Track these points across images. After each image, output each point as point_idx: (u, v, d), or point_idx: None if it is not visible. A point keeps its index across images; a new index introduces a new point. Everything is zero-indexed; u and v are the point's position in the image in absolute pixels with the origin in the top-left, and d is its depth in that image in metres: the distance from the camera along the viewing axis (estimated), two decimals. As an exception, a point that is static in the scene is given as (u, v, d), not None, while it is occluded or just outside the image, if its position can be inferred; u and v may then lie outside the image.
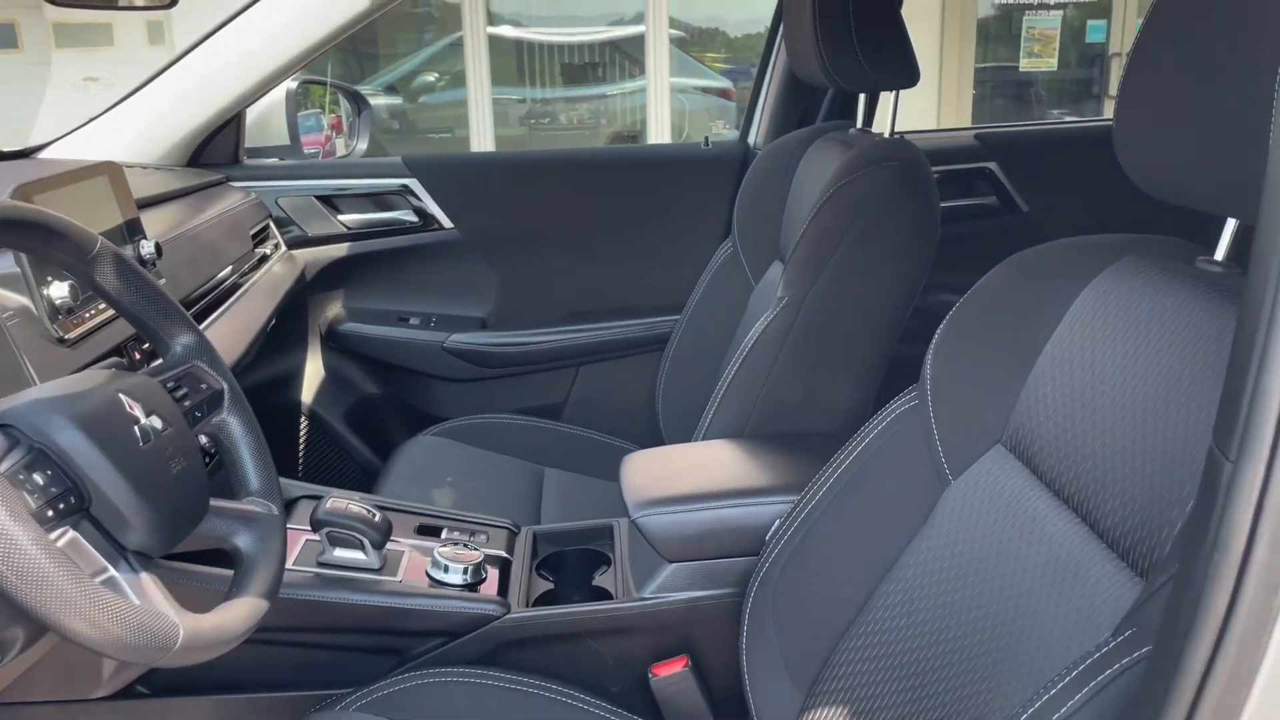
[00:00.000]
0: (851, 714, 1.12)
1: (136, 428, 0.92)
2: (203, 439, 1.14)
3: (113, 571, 0.87)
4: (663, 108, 7.92)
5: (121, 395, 0.93)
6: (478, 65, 7.90)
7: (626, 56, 8.59)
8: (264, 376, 2.16)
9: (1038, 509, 1.01)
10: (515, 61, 8.60)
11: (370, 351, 2.25)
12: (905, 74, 1.66)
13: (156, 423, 0.95)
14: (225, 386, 1.12)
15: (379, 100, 8.88)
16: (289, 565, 1.35)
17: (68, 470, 0.86)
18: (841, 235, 1.50)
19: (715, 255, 2.06)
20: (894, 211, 1.51)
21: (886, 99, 1.79)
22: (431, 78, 8.91)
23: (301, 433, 2.21)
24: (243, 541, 1.04)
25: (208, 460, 1.32)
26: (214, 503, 1.03)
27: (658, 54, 7.92)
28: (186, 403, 1.05)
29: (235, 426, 1.11)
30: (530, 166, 2.27)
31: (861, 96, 1.84)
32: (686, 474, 1.43)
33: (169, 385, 1.04)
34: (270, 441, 1.81)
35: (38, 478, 0.83)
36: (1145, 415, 0.89)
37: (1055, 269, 1.12)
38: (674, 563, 1.38)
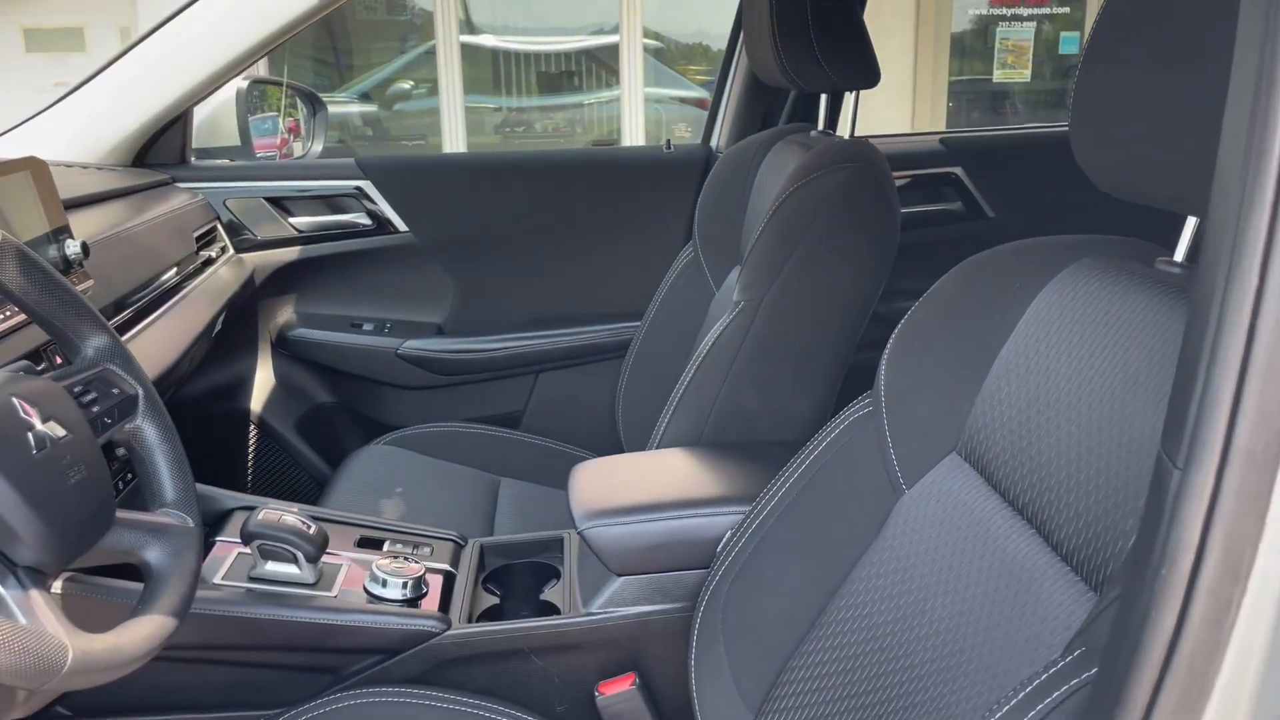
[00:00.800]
0: (800, 733, 1.07)
1: (30, 434, 0.86)
2: (120, 451, 1.09)
3: (0, 589, 0.81)
4: (637, 116, 7.90)
5: (15, 399, 0.87)
6: (450, 73, 7.85)
7: (603, 66, 8.58)
8: (211, 384, 2.09)
9: (991, 520, 0.96)
10: (491, 70, 8.56)
11: (322, 358, 2.19)
12: (865, 74, 1.62)
13: (55, 429, 0.89)
14: (140, 391, 1.06)
15: (353, 108, 8.82)
16: (218, 580, 1.29)
17: (-53, 479, 0.80)
18: (798, 238, 1.45)
19: (676, 260, 2.01)
20: (852, 213, 1.46)
21: (850, 102, 1.75)
22: (406, 85, 8.87)
23: (250, 442, 2.14)
24: (152, 555, 0.98)
25: (128, 477, 1.26)
26: (121, 514, 0.97)
27: (632, 63, 7.90)
28: (95, 408, 0.99)
29: (149, 433, 1.05)
30: (488, 169, 2.22)
31: (823, 98, 1.80)
32: (636, 483, 1.38)
33: (76, 390, 0.98)
34: (217, 451, 1.74)
35: (-88, 485, 0.77)
36: (1100, 422, 0.85)
37: (1011, 272, 1.08)
38: (622, 576, 1.32)
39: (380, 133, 8.65)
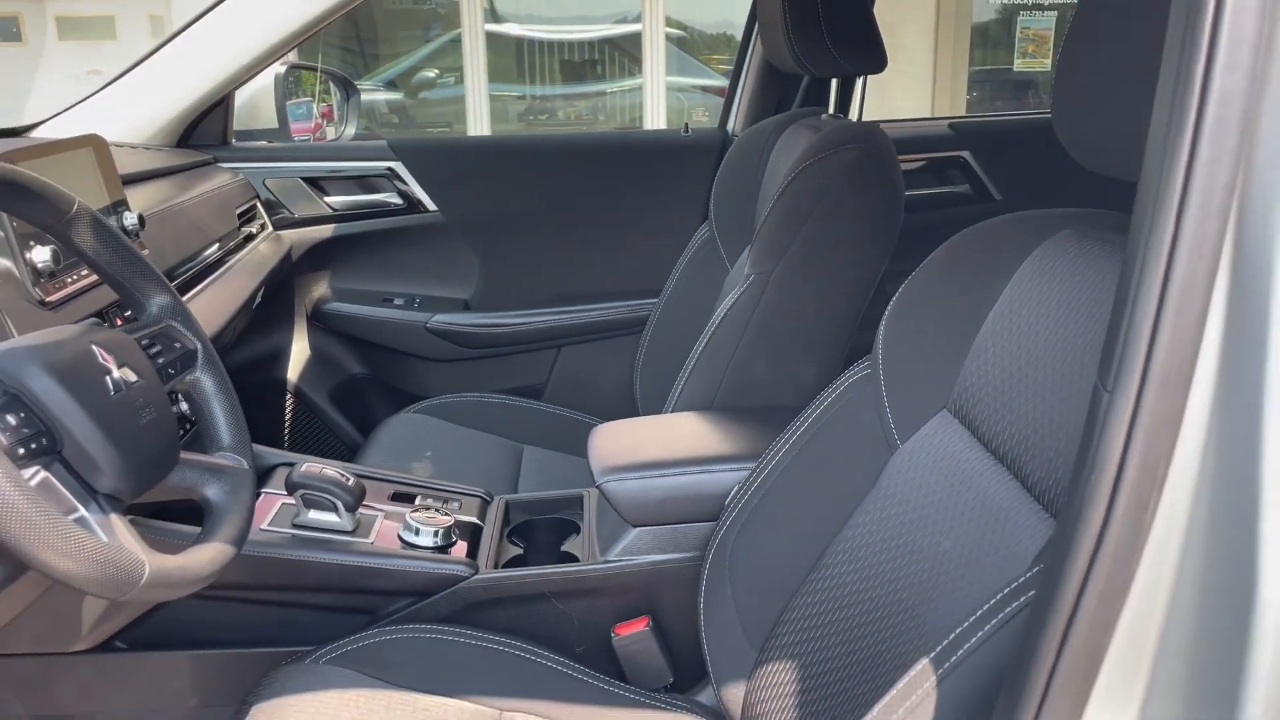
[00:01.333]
0: (799, 665, 1.16)
1: (108, 378, 0.97)
2: (182, 405, 1.19)
3: (83, 512, 0.91)
4: (659, 104, 7.97)
5: (95, 347, 0.98)
6: (475, 61, 7.94)
7: (625, 54, 8.64)
8: (251, 354, 2.20)
9: (975, 467, 1.05)
10: (515, 58, 8.65)
11: (355, 331, 2.29)
12: (872, 60, 1.70)
13: (129, 375, 1.00)
14: (199, 346, 1.16)
15: (380, 95, 8.93)
16: (264, 526, 1.40)
17: (40, 414, 0.90)
18: (805, 216, 1.54)
19: (693, 239, 2.10)
20: (856, 193, 1.55)
21: (862, 87, 1.83)
22: (432, 74, 8.96)
23: (287, 409, 2.25)
24: (212, 492, 1.08)
25: (187, 426, 1.36)
26: (185, 455, 1.07)
27: (654, 52, 7.97)
28: (160, 359, 1.09)
29: (207, 384, 1.15)
30: (513, 151, 2.32)
31: (834, 83, 1.88)
32: (651, 443, 1.47)
33: (143, 343, 1.09)
34: (255, 418, 1.85)
35: (10, 419, 0.87)
36: (1072, 376, 0.93)
37: (999, 243, 1.17)
38: (637, 527, 1.42)
39: (406, 120, 8.75)
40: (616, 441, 1.48)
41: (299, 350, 2.29)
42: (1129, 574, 0.60)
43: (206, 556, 1.00)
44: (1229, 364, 0.58)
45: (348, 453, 2.25)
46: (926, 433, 1.16)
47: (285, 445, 2.24)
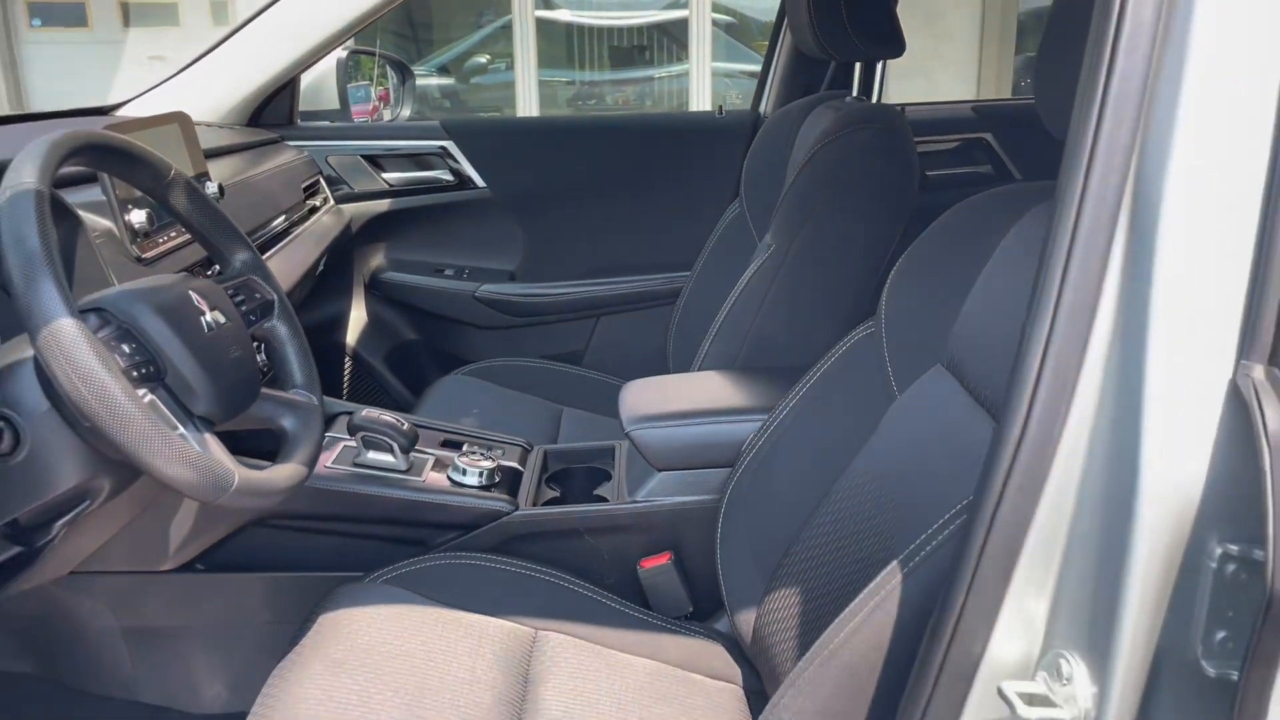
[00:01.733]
0: (801, 592, 1.29)
1: (203, 319, 1.13)
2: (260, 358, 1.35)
3: (182, 430, 1.08)
4: (704, 90, 8.07)
5: (191, 293, 1.14)
6: (525, 47, 8.10)
7: (674, 40, 8.75)
8: (314, 319, 2.38)
9: (960, 413, 1.18)
10: (565, 44, 8.79)
11: (409, 299, 2.46)
12: (891, 45, 1.82)
13: (219, 317, 1.16)
14: (275, 297, 1.32)
15: (431, 80, 9.13)
16: (329, 465, 1.56)
17: (148, 346, 1.06)
18: (822, 191, 1.67)
19: (724, 215, 2.23)
20: (870, 170, 1.67)
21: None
22: (483, 59, 9.14)
23: (346, 371, 2.43)
24: (287, 423, 1.24)
25: (264, 371, 1.53)
26: (264, 391, 1.24)
27: (700, 38, 8.06)
28: (243, 307, 1.26)
29: (283, 331, 1.32)
30: (558, 131, 2.46)
31: (858, 67, 2.00)
32: (676, 396, 1.61)
33: (229, 292, 1.25)
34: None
35: (125, 348, 1.04)
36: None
37: (993, 211, 1.29)
38: (662, 471, 1.56)
39: (457, 105, 8.94)
40: (645, 394, 1.63)
41: (357, 316, 2.46)
42: (1043, 472, 0.73)
43: (284, 474, 1.16)
44: (1125, 296, 0.70)
45: (401, 411, 2.41)
46: (921, 385, 1.28)
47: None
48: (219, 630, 1.56)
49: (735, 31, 8.69)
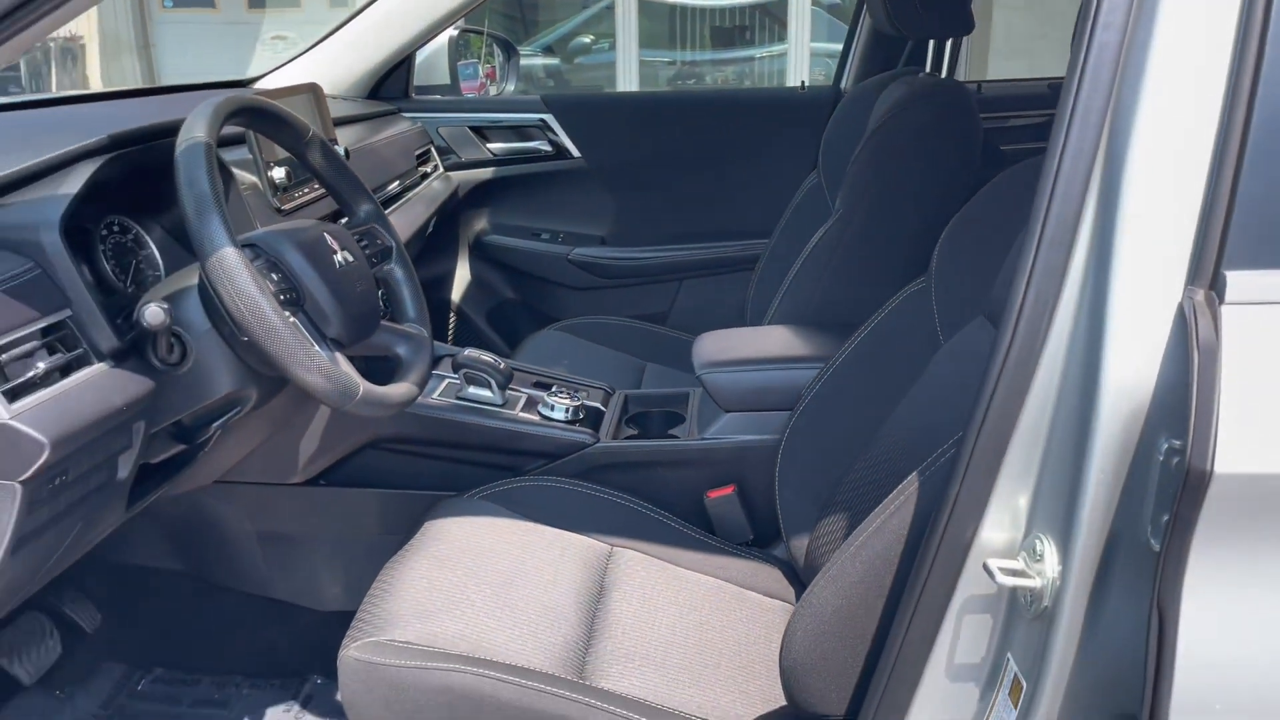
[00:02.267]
0: (848, 517, 1.44)
1: (335, 257, 1.34)
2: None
3: (318, 348, 1.28)
4: (803, 69, 8.11)
5: (326, 235, 1.35)
6: (626, 27, 8.25)
7: (775, 20, 8.79)
8: (423, 277, 2.59)
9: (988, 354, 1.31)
10: (667, 24, 8.91)
11: (508, 260, 2.67)
12: (960, 23, 1.93)
13: (348, 257, 1.36)
14: (394, 244, 1.53)
15: (536, 60, 9.37)
16: (435, 397, 1.77)
17: (291, 277, 1.27)
18: (886, 160, 1.80)
19: (803, 185, 2.37)
20: (933, 142, 1.79)
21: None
22: (587, 39, 9.33)
23: (450, 326, 2.65)
24: (402, 350, 1.45)
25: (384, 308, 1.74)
26: (383, 323, 1.44)
27: (800, 17, 8.11)
28: (366, 250, 1.46)
29: (399, 273, 1.52)
30: (650, 105, 2.63)
31: (931, 44, 2.11)
32: (745, 345, 1.77)
33: (355, 237, 1.46)
34: None
35: (274, 276, 1.25)
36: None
37: (1033, 176, 1.41)
38: (729, 412, 1.73)
39: (560, 84, 9.15)
40: (716, 343, 1.79)
41: (462, 275, 2.68)
42: (1025, 382, 0.87)
43: (399, 391, 1.36)
44: (1097, 232, 0.84)
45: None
46: (964, 333, 1.42)
47: (447, 354, 2.63)
48: (338, 538, 1.78)
49: (836, 11, 8.69)
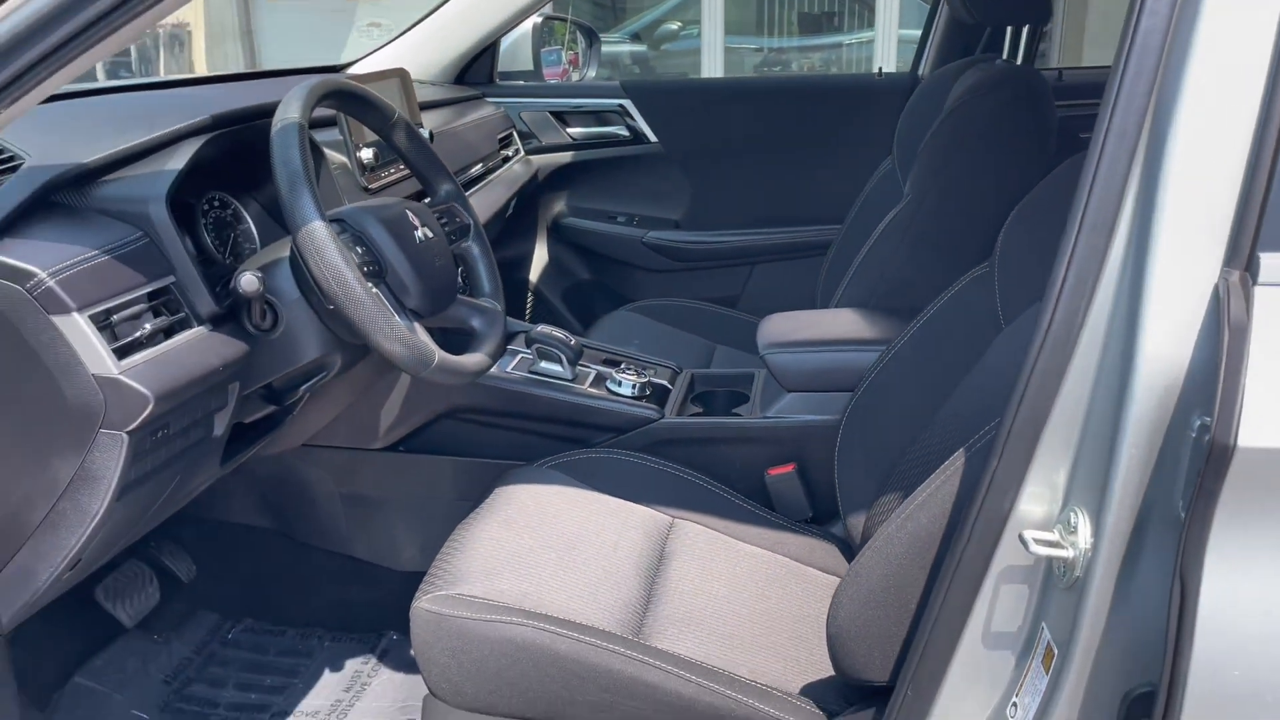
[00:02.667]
0: (904, 494, 1.47)
1: (416, 233, 1.42)
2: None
3: (398, 318, 1.37)
4: (889, 56, 8.01)
5: (408, 212, 1.43)
6: (712, 14, 8.26)
7: (864, 6, 8.70)
8: (502, 258, 2.68)
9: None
10: (755, 11, 8.88)
11: (584, 243, 2.74)
12: (1034, 11, 1.93)
13: (428, 233, 1.44)
14: (472, 222, 1.60)
15: (623, 47, 9.43)
16: (508, 370, 1.84)
17: (374, 250, 1.35)
18: (956, 146, 1.81)
19: (877, 170, 2.38)
20: (1004, 128, 1.80)
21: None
22: (674, 26, 9.35)
23: (528, 305, 2.73)
24: (477, 323, 1.53)
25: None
26: (460, 297, 1.52)
27: (888, 3, 8.01)
28: (446, 228, 1.54)
29: (476, 250, 1.60)
30: (726, 91, 2.67)
31: (1008, 31, 2.11)
32: (809, 326, 1.81)
33: (435, 215, 1.54)
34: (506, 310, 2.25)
35: (358, 250, 1.33)
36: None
37: None
38: (791, 392, 1.76)
39: (646, 71, 9.19)
40: (781, 324, 1.83)
41: (540, 256, 2.76)
42: (1065, 359, 0.90)
43: (474, 361, 1.44)
44: (1138, 216, 0.86)
45: None
46: (1024, 317, 1.43)
47: (524, 332, 2.71)
48: (415, 502, 1.88)
49: (930, -2, 8.54)
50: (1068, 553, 0.90)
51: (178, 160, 1.31)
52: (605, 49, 9.36)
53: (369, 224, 1.36)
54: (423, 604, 1.33)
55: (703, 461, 1.78)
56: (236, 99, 1.55)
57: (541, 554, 1.45)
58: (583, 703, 1.26)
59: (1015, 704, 0.98)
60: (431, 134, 1.96)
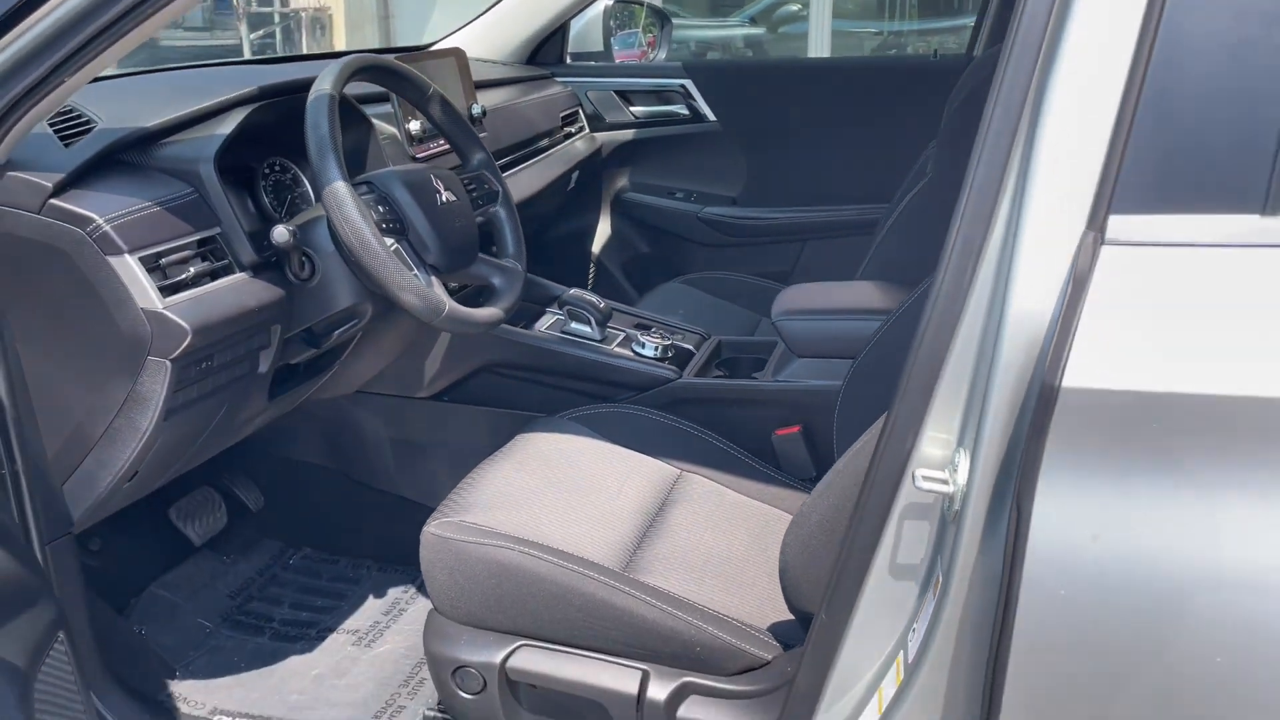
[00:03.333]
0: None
1: (438, 196, 1.57)
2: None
3: (416, 271, 1.52)
4: (1004, 40, 7.82)
5: (432, 176, 1.58)
6: (821, -1, 8.21)
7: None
8: (569, 229, 2.84)
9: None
10: (875, -9, 8.79)
11: (644, 217, 2.86)
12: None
13: (451, 197, 1.59)
14: (501, 189, 1.75)
15: (738, 31, 9.47)
16: (542, 329, 1.99)
17: (397, 209, 1.51)
18: (972, 122, 1.85)
19: (926, 151, 2.43)
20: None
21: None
22: (794, 8, 9.33)
23: (590, 274, 2.88)
24: (496, 280, 1.67)
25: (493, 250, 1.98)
26: (481, 256, 1.67)
27: (1004, -15, 7.80)
28: (474, 193, 1.69)
29: (503, 214, 1.74)
30: (783, 72, 2.75)
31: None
32: (821, 296, 1.89)
33: (465, 181, 1.69)
34: (568, 279, 2.42)
35: (380, 208, 1.49)
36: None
37: None
38: (801, 358, 1.85)
39: (758, 54, 9.21)
40: (796, 294, 1.92)
41: (603, 229, 2.90)
42: (956, 314, 0.98)
43: (485, 313, 1.58)
44: (1019, 179, 0.94)
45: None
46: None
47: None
48: (455, 447, 2.05)
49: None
50: (949, 489, 0.98)
51: (227, 126, 1.50)
52: (724, 33, 9.42)
53: (393, 186, 1.52)
54: (430, 529, 1.48)
55: (716, 421, 1.89)
56: (289, 74, 1.74)
57: (546, 493, 1.58)
58: (559, 620, 1.40)
59: (915, 629, 1.07)
60: (484, 110, 2.11)
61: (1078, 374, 0.83)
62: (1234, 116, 0.85)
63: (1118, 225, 0.86)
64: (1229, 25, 0.85)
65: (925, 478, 1.00)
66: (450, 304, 1.50)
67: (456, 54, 2.10)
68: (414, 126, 1.88)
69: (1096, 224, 0.88)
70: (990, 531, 0.95)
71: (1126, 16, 0.88)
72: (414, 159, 1.86)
